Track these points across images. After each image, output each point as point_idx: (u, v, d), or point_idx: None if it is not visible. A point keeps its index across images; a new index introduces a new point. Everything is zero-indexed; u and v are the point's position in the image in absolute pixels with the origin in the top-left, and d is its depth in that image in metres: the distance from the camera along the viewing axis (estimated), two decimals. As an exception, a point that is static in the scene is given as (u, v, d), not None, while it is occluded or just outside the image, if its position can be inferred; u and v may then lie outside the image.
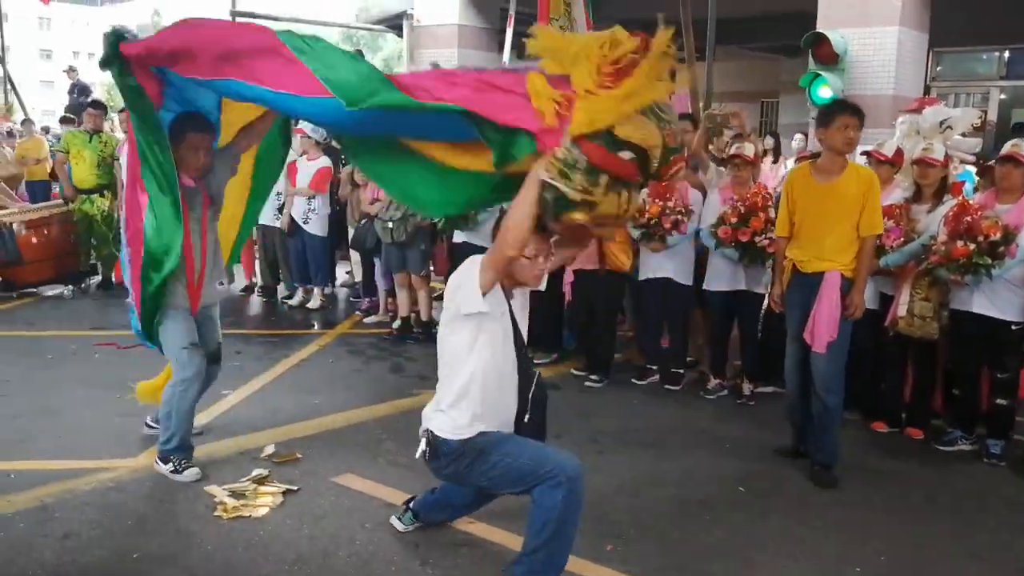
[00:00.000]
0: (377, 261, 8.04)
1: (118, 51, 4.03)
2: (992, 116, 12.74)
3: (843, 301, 4.62)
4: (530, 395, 3.46)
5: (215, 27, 4.02)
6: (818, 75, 9.72)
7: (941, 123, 6.04)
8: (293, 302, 8.88)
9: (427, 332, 7.44)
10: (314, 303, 8.75)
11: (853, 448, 5.14)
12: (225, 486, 4.35)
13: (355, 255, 8.90)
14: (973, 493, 4.73)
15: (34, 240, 8.91)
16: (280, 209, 8.47)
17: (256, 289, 9.41)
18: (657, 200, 6.01)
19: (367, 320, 8.27)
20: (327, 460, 4.75)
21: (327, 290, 9.00)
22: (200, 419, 5.24)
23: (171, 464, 4.49)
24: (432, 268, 8.14)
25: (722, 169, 6.97)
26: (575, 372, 6.60)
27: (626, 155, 3.09)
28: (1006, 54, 13.00)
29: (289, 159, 6.59)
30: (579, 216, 3.13)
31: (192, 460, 4.55)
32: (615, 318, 6.76)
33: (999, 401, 5.17)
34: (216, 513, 4.08)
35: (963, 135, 6.24)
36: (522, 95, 3.16)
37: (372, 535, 3.92)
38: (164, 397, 4.56)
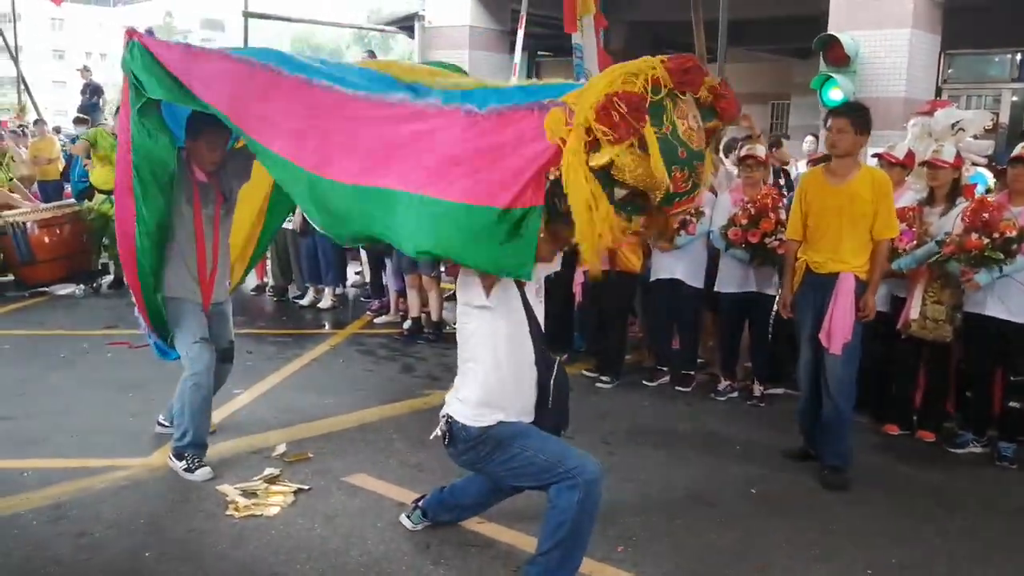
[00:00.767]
0: (388, 262, 8.06)
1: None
2: (1004, 118, 12.70)
3: (856, 303, 4.62)
4: (551, 381, 3.44)
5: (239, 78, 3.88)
6: (829, 77, 9.71)
7: (953, 125, 6.02)
8: (304, 302, 8.91)
9: (437, 333, 7.46)
10: (325, 303, 8.78)
11: (864, 451, 5.13)
12: (237, 485, 4.37)
13: (365, 255, 8.93)
14: (985, 496, 4.72)
15: (46, 240, 8.96)
16: (292, 210, 8.48)
17: (268, 289, 9.46)
18: None
19: (378, 320, 8.29)
20: (338, 460, 4.77)
21: (338, 290, 9.03)
22: (212, 418, 5.28)
23: (184, 461, 4.51)
24: (443, 269, 8.16)
25: (732, 171, 6.99)
26: (586, 373, 6.60)
27: (621, 192, 2.94)
28: (1018, 56, 12.94)
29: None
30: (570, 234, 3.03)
31: (205, 459, 4.57)
32: (626, 319, 6.76)
33: (1012, 404, 5.16)
34: (228, 512, 4.11)
35: (975, 137, 6.23)
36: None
37: (383, 535, 3.94)
38: (177, 393, 4.58)
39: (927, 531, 4.24)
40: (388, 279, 8.31)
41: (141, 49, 4.04)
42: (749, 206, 5.82)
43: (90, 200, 9.59)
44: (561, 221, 3.01)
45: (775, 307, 6.13)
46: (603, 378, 6.44)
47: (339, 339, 7.63)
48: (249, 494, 4.28)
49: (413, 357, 7.10)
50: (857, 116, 4.69)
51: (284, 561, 3.68)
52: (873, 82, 9.90)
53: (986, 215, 4.96)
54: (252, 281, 9.65)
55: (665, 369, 6.54)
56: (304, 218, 8.38)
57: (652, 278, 6.38)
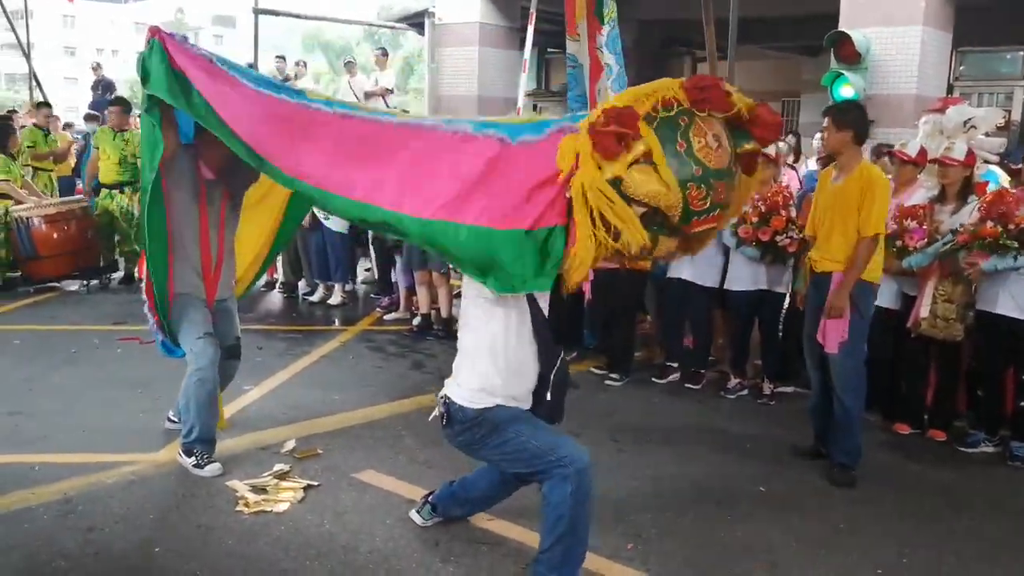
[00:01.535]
0: (397, 258, 8.07)
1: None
2: (1016, 116, 12.59)
3: (851, 302, 4.61)
4: (552, 374, 3.46)
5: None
6: (840, 74, 9.66)
7: (965, 123, 6.00)
8: (314, 298, 8.93)
9: (447, 329, 7.46)
10: (335, 299, 8.79)
11: (874, 449, 5.11)
12: (246, 481, 4.38)
13: (374, 252, 8.94)
14: (996, 495, 4.70)
15: (54, 235, 8.95)
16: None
17: (277, 285, 9.47)
18: None
19: (387, 317, 8.30)
20: (348, 456, 4.78)
21: (348, 287, 9.04)
22: (224, 415, 5.30)
23: (194, 458, 4.52)
24: (453, 266, 8.17)
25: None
26: (595, 370, 6.59)
27: (639, 209, 2.99)
28: (1030, 54, 12.85)
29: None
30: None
31: (214, 455, 4.58)
32: (635, 316, 6.76)
33: (1024, 403, 5.13)
34: (237, 508, 4.11)
35: (987, 135, 6.19)
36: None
37: (393, 531, 3.94)
38: (182, 388, 4.59)
39: (936, 530, 4.22)
40: (398, 276, 8.32)
41: (160, 48, 4.02)
42: (759, 204, 5.80)
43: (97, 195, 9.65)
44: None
45: (785, 305, 6.14)
46: (612, 375, 6.43)
47: (349, 336, 7.64)
48: (259, 490, 4.29)
49: (423, 354, 7.10)
50: (838, 114, 4.74)
51: (293, 558, 3.69)
52: (884, 79, 9.85)
53: (1003, 207, 4.96)
54: (263, 278, 9.66)
55: (675, 366, 6.52)
56: (313, 214, 8.39)
57: (667, 276, 6.37)
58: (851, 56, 9.72)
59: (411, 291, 8.08)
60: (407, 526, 3.99)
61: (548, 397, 3.46)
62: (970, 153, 5.43)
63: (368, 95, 13.35)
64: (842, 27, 9.91)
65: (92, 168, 9.88)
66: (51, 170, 11.37)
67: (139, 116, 5.33)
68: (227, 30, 66.79)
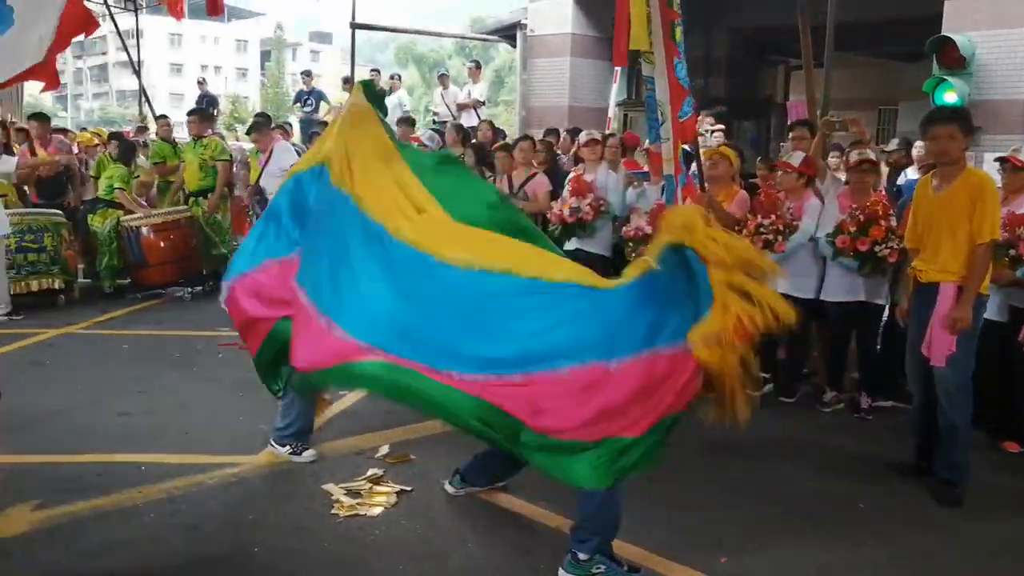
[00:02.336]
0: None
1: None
2: None
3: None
4: None
5: None
6: (943, 80, 9.33)
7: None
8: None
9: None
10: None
11: (981, 468, 4.88)
12: (342, 484, 4.47)
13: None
14: (1114, 520, 4.46)
15: (160, 244, 9.33)
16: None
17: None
18: (758, 216, 5.89)
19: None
20: (439, 462, 4.82)
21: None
22: (317, 419, 5.43)
23: (288, 447, 4.75)
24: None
25: (839, 176, 6.80)
26: (686, 382, 6.49)
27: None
28: None
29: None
30: None
31: (309, 444, 4.80)
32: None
33: None
34: (333, 511, 4.20)
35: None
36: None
37: (484, 539, 3.97)
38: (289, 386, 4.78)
39: (1050, 555, 4.02)
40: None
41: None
42: (858, 213, 5.64)
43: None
44: None
45: (884, 317, 5.95)
46: (704, 387, 6.32)
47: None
48: (353, 494, 4.37)
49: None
50: (963, 121, 4.58)
51: (387, 562, 3.75)
52: (991, 84, 9.47)
53: None
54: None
55: (768, 378, 6.39)
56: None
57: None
58: (955, 61, 9.38)
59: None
60: (499, 533, 4.01)
61: None
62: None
63: (460, 107, 13.52)
64: (945, 31, 9.58)
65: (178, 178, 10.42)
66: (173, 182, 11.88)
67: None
68: (324, 46, 68.59)
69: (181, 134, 12.00)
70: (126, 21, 15.91)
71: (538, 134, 10.58)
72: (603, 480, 3.32)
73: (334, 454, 4.94)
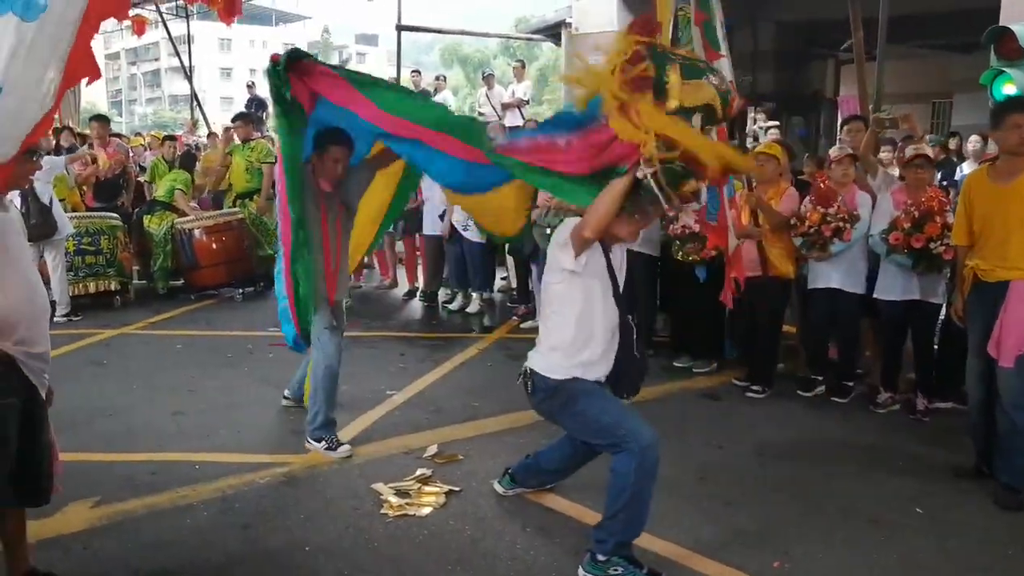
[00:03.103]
0: (534, 267, 8.12)
1: (286, 69, 4.45)
2: None
3: None
4: (630, 341, 3.76)
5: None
6: (1001, 72, 9.08)
7: None
8: (453, 307, 9.10)
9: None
10: (473, 308, 8.93)
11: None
12: (391, 484, 4.49)
13: (511, 261, 9.03)
14: None
15: (213, 246, 9.51)
16: (441, 217, 8.74)
17: (418, 294, 9.71)
18: (818, 207, 5.79)
19: (523, 325, 8.35)
20: (487, 462, 4.83)
21: (485, 295, 9.17)
22: (366, 419, 5.49)
23: (324, 443, 4.87)
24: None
25: (892, 172, 6.67)
26: (736, 382, 6.43)
27: (697, 119, 3.46)
28: None
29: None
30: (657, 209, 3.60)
31: (337, 435, 4.96)
32: (779, 326, 6.52)
33: None
34: (382, 511, 4.23)
35: None
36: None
37: (533, 540, 3.96)
38: (310, 377, 5.02)
39: (1117, 560, 3.89)
40: (534, 284, 8.36)
41: (278, 72, 4.48)
42: (912, 209, 5.52)
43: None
44: (646, 202, 3.51)
45: (941, 316, 5.82)
46: (754, 387, 6.25)
47: (486, 343, 7.74)
48: (402, 494, 4.39)
49: (559, 363, 7.10)
50: None
51: (436, 562, 3.76)
52: (1052, 75, 9.19)
53: None
54: (404, 286, 9.96)
55: (821, 379, 6.29)
56: (452, 226, 8.57)
57: (810, 286, 6.15)
58: (1014, 52, 9.08)
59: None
60: (548, 535, 4.00)
61: (623, 365, 3.76)
62: None
63: (505, 107, 13.53)
64: (1003, 21, 9.32)
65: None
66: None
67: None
68: (370, 48, 69.21)
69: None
70: (178, 27, 16.20)
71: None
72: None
73: (383, 454, 4.97)
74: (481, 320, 8.72)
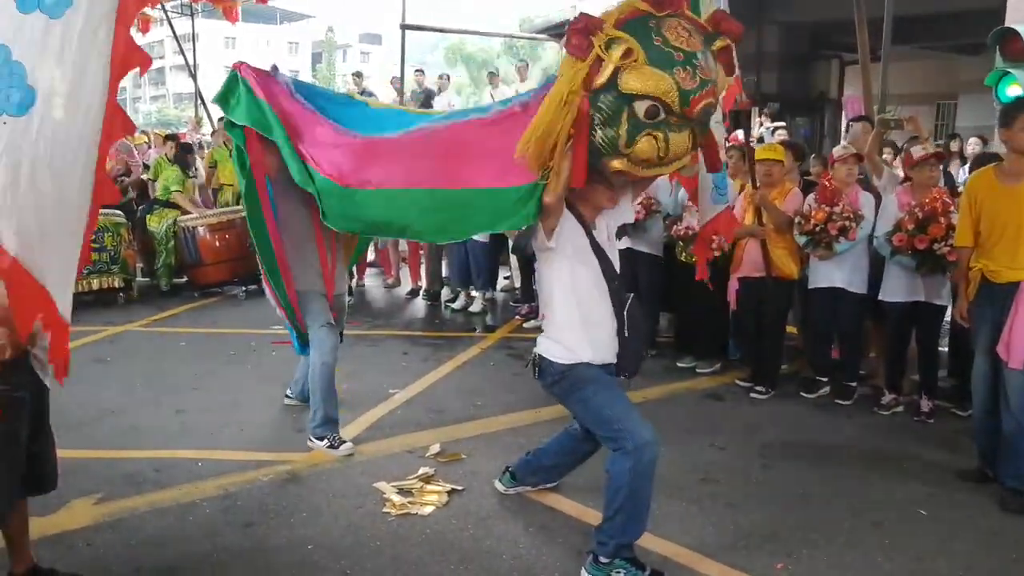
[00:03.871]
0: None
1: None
2: None
3: None
4: (624, 313, 3.73)
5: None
6: (1006, 73, 9.06)
7: None
8: (456, 306, 9.09)
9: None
10: (476, 307, 8.92)
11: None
12: (393, 483, 4.49)
13: (515, 260, 9.02)
14: None
15: (216, 243, 9.50)
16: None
17: (421, 293, 9.71)
18: (823, 205, 5.79)
19: (527, 325, 8.34)
20: (490, 461, 4.82)
21: (488, 294, 9.16)
22: (369, 417, 5.48)
23: (326, 441, 4.87)
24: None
25: (896, 173, 6.66)
26: (740, 383, 6.42)
27: (643, 104, 3.27)
28: None
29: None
30: (617, 164, 3.41)
31: (340, 433, 4.95)
32: (782, 328, 6.51)
33: None
34: (385, 509, 4.22)
35: None
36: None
37: (535, 539, 3.95)
38: (308, 376, 5.05)
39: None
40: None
41: (244, 80, 4.57)
42: (916, 210, 5.51)
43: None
44: (604, 170, 3.48)
45: (946, 317, 5.81)
46: (758, 388, 6.24)
47: (489, 343, 7.73)
48: (405, 492, 4.39)
49: (562, 362, 7.10)
50: None
51: (439, 561, 3.75)
52: (1056, 77, 9.17)
53: None
54: (407, 285, 9.96)
55: (824, 380, 6.27)
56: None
57: (811, 286, 6.14)
58: (1019, 53, 9.09)
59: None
60: (550, 534, 3.99)
61: (626, 333, 3.72)
62: None
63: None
64: (1009, 22, 9.30)
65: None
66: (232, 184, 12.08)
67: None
68: (374, 47, 69.24)
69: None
70: (182, 25, 16.20)
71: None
72: None
73: (386, 452, 4.97)
74: (484, 319, 8.71)
